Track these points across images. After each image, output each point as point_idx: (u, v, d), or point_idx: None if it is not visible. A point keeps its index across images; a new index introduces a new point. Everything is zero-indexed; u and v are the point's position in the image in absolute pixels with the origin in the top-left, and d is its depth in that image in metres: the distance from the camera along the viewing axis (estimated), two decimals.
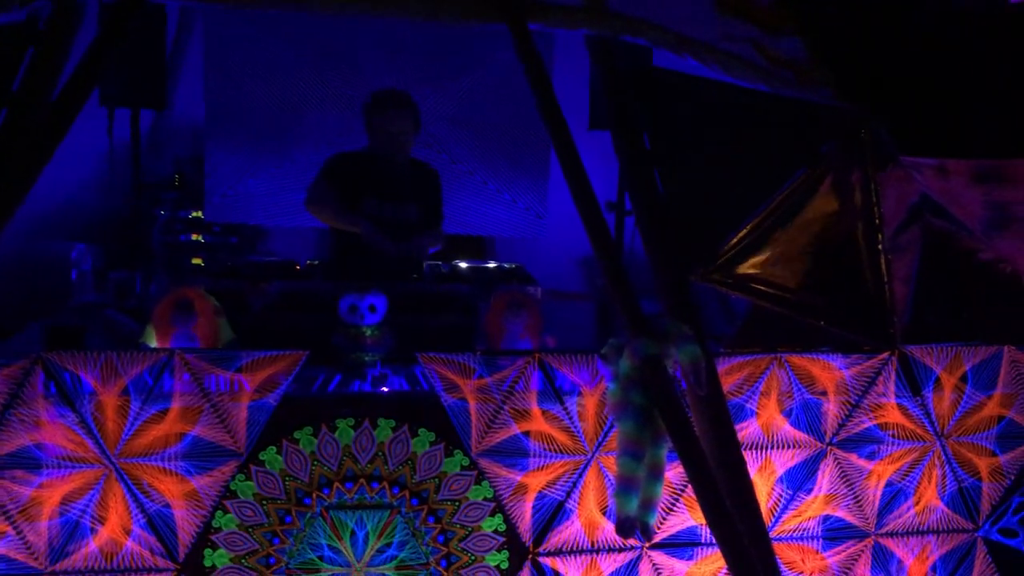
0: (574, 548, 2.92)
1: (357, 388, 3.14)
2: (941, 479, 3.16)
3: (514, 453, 2.85)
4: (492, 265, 4.19)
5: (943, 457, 3.15)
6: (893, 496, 3.12)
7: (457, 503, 2.86)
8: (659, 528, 2.93)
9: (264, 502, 2.78)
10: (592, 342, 4.10)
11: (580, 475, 2.89)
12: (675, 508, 2.96)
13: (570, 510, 2.90)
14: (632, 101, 3.05)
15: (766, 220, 3.00)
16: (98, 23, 3.04)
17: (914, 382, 3.08)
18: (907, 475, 3.13)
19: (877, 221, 2.99)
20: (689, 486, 2.74)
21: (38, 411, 2.62)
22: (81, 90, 2.80)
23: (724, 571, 2.93)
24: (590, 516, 2.92)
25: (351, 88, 4.26)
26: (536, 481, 2.87)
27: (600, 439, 2.88)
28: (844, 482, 3.07)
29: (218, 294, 3.23)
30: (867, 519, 3.11)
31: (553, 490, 2.89)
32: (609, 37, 3.05)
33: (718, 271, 2.99)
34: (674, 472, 2.84)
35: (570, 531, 2.91)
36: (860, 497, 3.09)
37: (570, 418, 2.86)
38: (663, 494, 2.70)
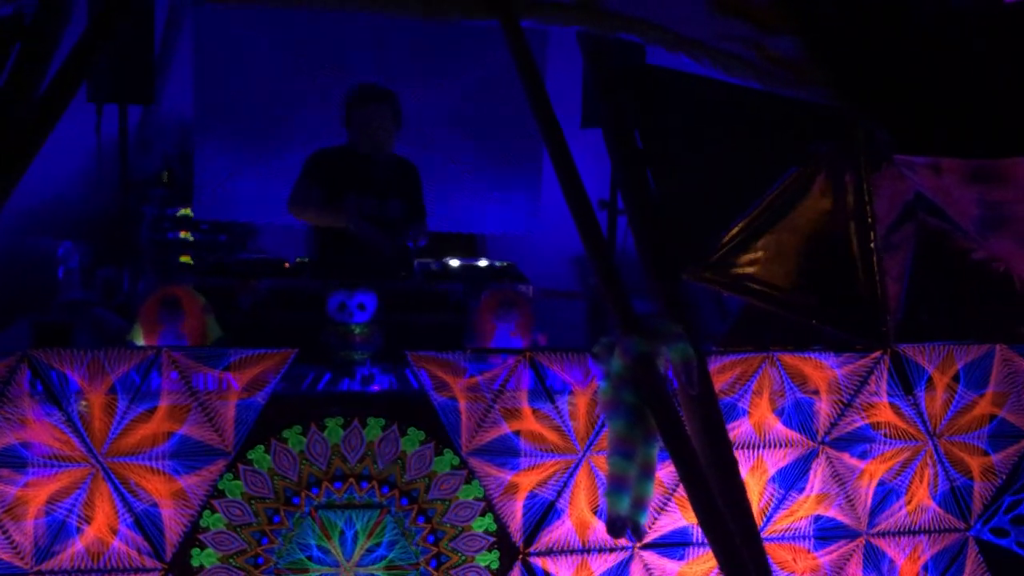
0: (565, 548, 2.91)
1: (346, 387, 3.12)
2: (933, 478, 3.15)
3: (505, 452, 2.83)
4: (483, 263, 4.17)
5: (935, 456, 3.15)
6: (885, 495, 3.12)
7: (447, 503, 2.84)
8: (650, 528, 2.92)
9: (252, 501, 2.76)
10: (584, 340, 4.09)
11: (571, 475, 2.88)
12: (667, 508, 2.95)
13: (561, 510, 2.89)
14: (625, 99, 3.04)
15: (758, 218, 2.99)
16: (87, 19, 3.01)
17: (906, 381, 3.08)
18: (899, 474, 3.12)
19: (870, 220, 2.99)
20: (681, 486, 2.73)
21: (24, 409, 2.59)
22: (68, 86, 2.77)
23: (716, 571, 2.92)
24: (581, 516, 2.90)
25: (341, 86, 4.23)
26: (527, 480, 2.86)
27: (591, 438, 2.87)
28: (836, 481, 3.07)
29: (206, 292, 3.20)
30: (859, 519, 3.11)
31: (544, 490, 2.87)
32: (602, 34, 3.04)
33: (710, 269, 2.98)
34: (666, 471, 2.83)
35: (561, 531, 2.90)
36: (852, 496, 3.09)
37: (561, 417, 2.85)
38: (654, 494, 2.69)
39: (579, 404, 2.85)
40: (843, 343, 3.03)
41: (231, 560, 2.76)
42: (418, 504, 2.83)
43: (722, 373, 2.90)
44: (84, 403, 2.62)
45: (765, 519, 3.03)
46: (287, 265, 4.00)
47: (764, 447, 2.98)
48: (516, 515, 2.87)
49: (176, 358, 2.67)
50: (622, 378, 2.57)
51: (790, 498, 3.04)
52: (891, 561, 3.15)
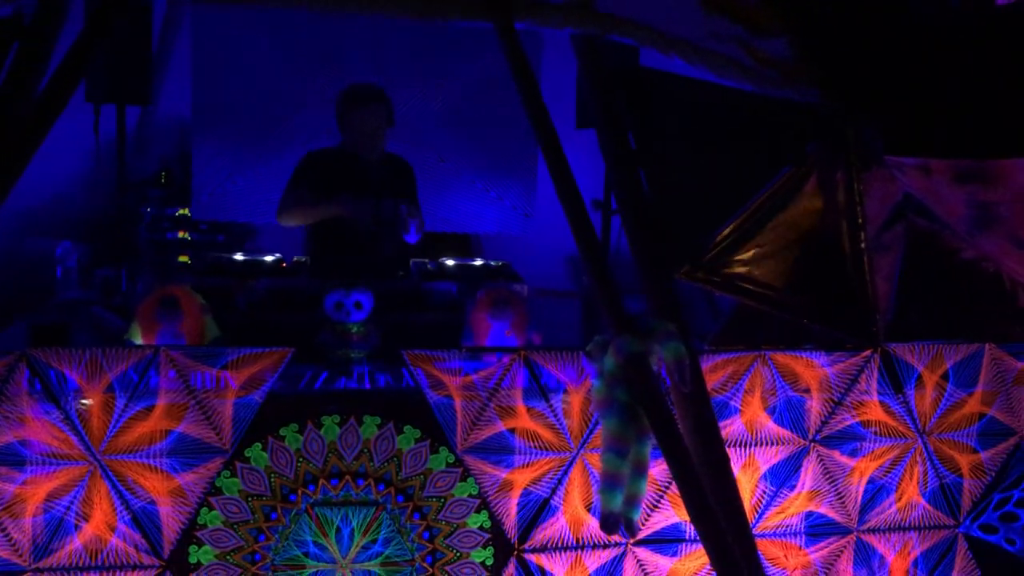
0: (559, 545, 2.93)
1: (343, 385, 3.14)
2: (923, 476, 3.18)
3: (499, 450, 2.85)
4: (479, 263, 4.19)
5: (924, 454, 3.18)
6: (875, 492, 3.15)
7: (442, 500, 2.87)
8: (643, 524, 2.94)
9: (249, 499, 2.78)
10: (579, 339, 4.12)
11: (565, 472, 2.90)
12: (660, 505, 2.98)
13: (555, 507, 2.91)
14: (618, 100, 3.06)
15: (750, 219, 3.02)
16: (84, 19, 3.04)
17: (896, 379, 3.10)
18: (889, 472, 3.15)
19: (860, 220, 3.02)
20: (673, 483, 2.76)
21: (23, 408, 2.61)
22: (66, 86, 2.79)
23: (708, 567, 2.95)
24: (575, 513, 2.93)
25: (339, 86, 4.26)
26: (521, 478, 2.88)
27: (585, 436, 2.89)
28: (827, 479, 3.10)
29: (204, 291, 3.22)
30: (849, 515, 3.14)
31: (538, 487, 2.90)
32: (595, 36, 3.07)
33: (702, 269, 3.01)
34: (659, 469, 2.86)
35: (555, 528, 2.93)
36: (843, 493, 3.12)
37: (555, 415, 2.87)
38: (647, 491, 2.72)
39: (573, 402, 2.87)
40: (834, 342, 3.05)
41: (228, 557, 2.78)
42: (414, 501, 2.85)
43: (714, 372, 2.93)
44: (83, 401, 2.64)
45: (757, 516, 3.06)
46: (284, 265, 4.02)
47: (756, 445, 3.01)
48: (511, 512, 2.89)
49: (174, 357, 2.69)
50: (615, 376, 2.60)
51: (781, 495, 3.07)
52: (881, 557, 3.18)
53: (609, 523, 2.59)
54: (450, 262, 4.10)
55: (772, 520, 3.08)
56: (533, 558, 2.92)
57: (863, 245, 3.02)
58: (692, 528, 2.83)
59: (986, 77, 2.99)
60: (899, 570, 3.19)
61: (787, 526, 3.10)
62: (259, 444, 2.77)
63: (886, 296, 3.09)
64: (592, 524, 2.92)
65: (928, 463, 3.18)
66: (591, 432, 2.88)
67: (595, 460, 2.83)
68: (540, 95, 2.92)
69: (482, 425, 2.84)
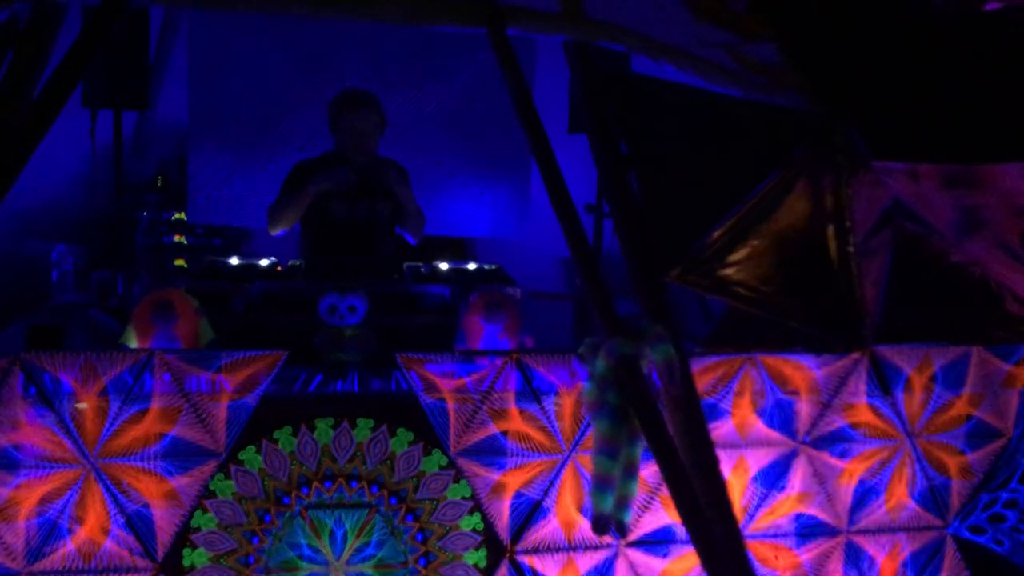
0: (551, 546, 2.95)
1: (337, 388, 3.16)
2: (911, 477, 3.21)
3: (492, 452, 2.87)
4: (472, 266, 4.21)
5: (913, 455, 3.20)
6: (864, 494, 3.17)
7: (435, 502, 2.88)
8: (635, 526, 2.96)
9: (243, 501, 2.80)
10: (572, 342, 4.14)
11: (557, 474, 2.92)
12: (651, 506, 3.00)
13: (547, 509, 2.93)
14: (610, 106, 3.08)
15: (740, 223, 3.04)
16: (81, 24, 3.06)
17: (885, 382, 3.12)
18: (878, 473, 3.17)
19: (848, 224, 3.04)
20: (664, 485, 2.77)
21: (17, 412, 2.62)
22: (62, 91, 2.80)
23: (699, 568, 2.97)
24: (567, 514, 2.95)
25: (334, 90, 4.28)
26: (514, 480, 2.90)
27: (577, 438, 2.91)
28: (816, 480, 3.12)
29: (200, 295, 3.24)
30: (839, 517, 3.16)
31: (530, 489, 2.92)
32: (587, 43, 3.09)
33: (693, 272, 3.03)
34: (649, 471, 2.87)
35: (547, 529, 2.94)
36: (832, 495, 3.14)
37: (547, 418, 2.89)
38: (638, 492, 2.73)
39: (565, 405, 2.89)
40: (823, 345, 3.08)
41: (222, 560, 2.80)
42: (407, 503, 2.87)
43: (704, 374, 2.95)
44: (77, 405, 2.65)
45: (747, 517, 3.08)
46: (279, 268, 4.04)
47: (746, 447, 3.03)
48: (503, 514, 2.91)
49: (168, 360, 2.71)
50: (606, 379, 2.61)
51: (771, 497, 3.09)
52: (871, 558, 3.20)
53: (600, 524, 2.61)
54: (443, 265, 4.12)
55: (762, 521, 3.10)
56: (526, 559, 2.94)
57: (851, 249, 3.04)
58: (683, 529, 2.85)
59: (975, 82, 3.01)
60: (888, 571, 3.21)
61: (777, 527, 3.12)
62: (253, 447, 2.79)
63: (874, 299, 3.11)
64: (584, 526, 2.94)
65: (917, 465, 3.21)
66: (583, 434, 2.90)
67: (587, 462, 2.85)
68: (532, 101, 2.94)
69: (475, 428, 2.86)
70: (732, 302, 3.08)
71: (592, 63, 3.11)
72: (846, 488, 3.14)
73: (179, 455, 2.73)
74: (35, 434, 2.64)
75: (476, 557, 2.92)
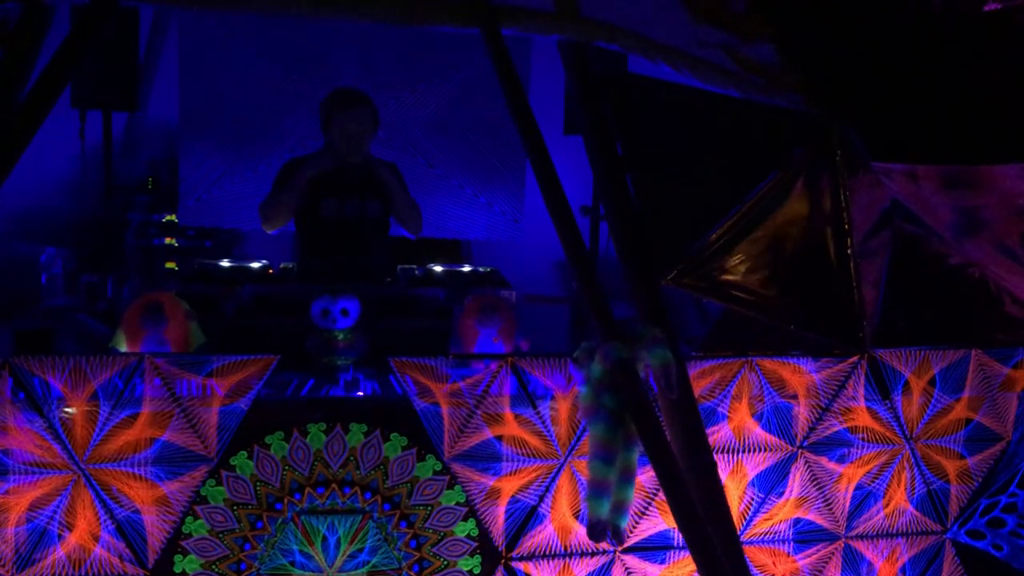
0: (547, 552, 2.93)
1: (330, 392, 3.12)
2: (910, 482, 3.19)
3: (487, 458, 2.85)
4: (467, 269, 4.19)
5: (912, 460, 3.18)
6: (863, 499, 3.15)
7: (429, 508, 2.85)
8: (631, 532, 2.94)
9: (235, 507, 2.76)
10: (567, 345, 4.11)
11: (553, 479, 2.90)
12: (648, 512, 2.97)
13: (543, 514, 2.90)
14: (606, 106, 3.06)
15: (737, 225, 3.02)
16: (70, 24, 3.02)
17: (883, 385, 3.11)
18: (877, 478, 3.16)
19: (846, 226, 3.02)
20: (661, 490, 2.75)
21: (5, 417, 2.59)
22: (50, 92, 2.77)
23: (696, 575, 2.94)
24: (563, 520, 2.92)
25: (325, 91, 4.25)
26: (509, 485, 2.87)
27: (573, 443, 2.88)
28: (815, 485, 3.10)
29: (191, 298, 3.21)
30: (837, 522, 3.14)
31: (526, 494, 2.89)
32: (582, 43, 3.07)
33: (690, 275, 3.01)
34: (646, 476, 2.85)
35: (543, 535, 2.92)
36: (830, 500, 3.12)
37: (543, 422, 2.86)
38: (635, 498, 2.71)
39: (561, 409, 2.87)
40: (821, 348, 3.06)
41: (214, 566, 2.76)
42: (400, 509, 2.84)
43: (702, 378, 2.93)
44: (67, 410, 2.62)
45: (745, 523, 3.06)
46: (271, 271, 4.01)
47: (743, 451, 3.01)
48: (498, 520, 2.88)
49: (159, 364, 2.67)
50: (602, 383, 2.59)
51: (769, 502, 3.07)
52: (869, 564, 3.18)
53: (597, 530, 2.59)
54: (438, 268, 4.09)
55: (760, 527, 3.08)
56: (521, 566, 2.91)
57: (850, 251, 3.03)
58: (680, 535, 2.83)
59: (974, 83, 3.00)
60: None
61: (775, 533, 3.10)
62: (245, 452, 2.76)
63: (873, 302, 3.10)
64: (580, 532, 2.91)
65: (915, 469, 3.19)
66: (579, 439, 2.88)
67: (583, 467, 2.82)
68: (527, 102, 2.92)
69: (469, 432, 2.83)
70: (730, 305, 3.06)
71: (588, 63, 3.08)
72: (844, 493, 3.12)
73: (170, 460, 2.70)
74: (24, 439, 2.61)
75: (471, 564, 2.89)
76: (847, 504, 3.13)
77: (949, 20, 3.10)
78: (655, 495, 2.95)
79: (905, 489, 3.19)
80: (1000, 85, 2.95)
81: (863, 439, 3.12)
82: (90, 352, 2.66)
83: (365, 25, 4.71)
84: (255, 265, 4.01)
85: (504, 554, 2.90)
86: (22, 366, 2.59)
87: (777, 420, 3.03)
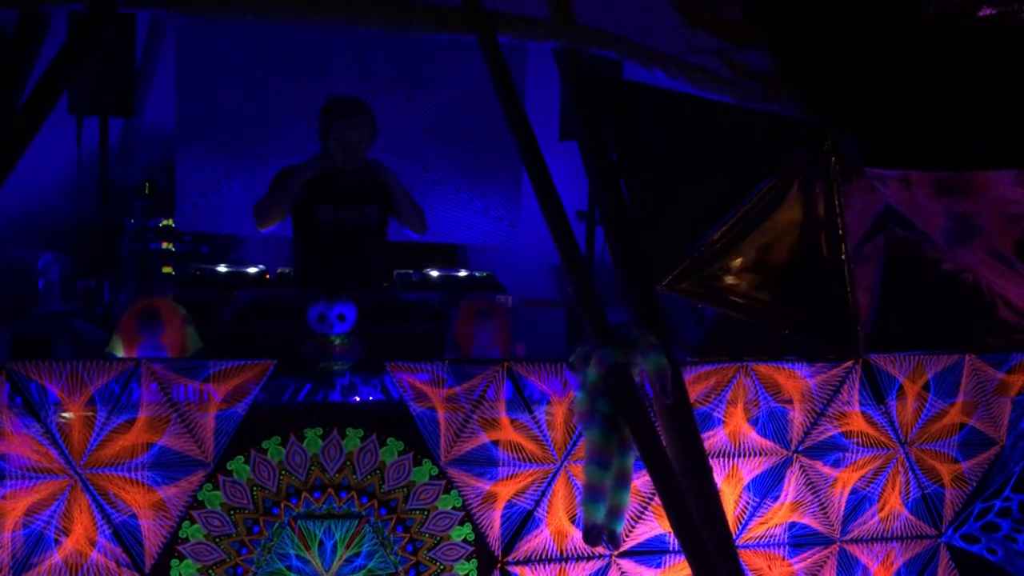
0: (543, 557, 2.93)
1: (326, 397, 3.13)
2: (905, 486, 3.20)
3: (483, 462, 2.85)
4: (463, 273, 4.19)
5: (907, 464, 3.19)
6: (858, 503, 3.16)
7: (426, 512, 2.86)
8: (627, 536, 2.94)
9: (232, 512, 2.77)
10: (563, 349, 4.12)
11: (549, 484, 2.90)
12: (643, 516, 2.98)
13: (539, 519, 2.91)
14: (601, 113, 3.08)
15: (732, 230, 3.04)
16: (67, 31, 3.03)
17: (878, 390, 3.12)
18: (871, 482, 3.17)
19: (841, 231, 3.04)
20: (657, 494, 2.76)
21: (2, 421, 2.59)
22: (48, 98, 2.78)
23: None
24: (559, 525, 2.93)
25: (322, 97, 4.26)
26: (505, 490, 2.88)
27: (569, 448, 2.89)
28: (810, 489, 3.11)
29: (188, 303, 3.21)
30: (832, 526, 3.15)
31: (522, 499, 2.90)
32: (577, 50, 3.08)
33: (685, 280, 3.02)
34: (642, 480, 2.86)
35: (539, 540, 2.92)
36: (825, 504, 3.13)
37: (539, 427, 2.87)
38: (631, 502, 2.72)
39: (557, 414, 2.88)
40: (816, 353, 3.07)
41: (210, 571, 2.76)
42: (397, 514, 2.85)
43: (697, 383, 2.94)
44: (64, 415, 2.62)
45: (740, 527, 3.06)
46: (268, 276, 4.01)
47: (739, 456, 3.02)
48: (494, 524, 2.89)
49: (155, 369, 2.68)
50: (598, 388, 2.60)
51: (765, 506, 3.08)
52: (864, 567, 3.19)
53: (592, 535, 2.59)
54: (434, 273, 4.10)
55: (755, 531, 3.09)
56: (517, 570, 2.92)
57: (844, 256, 3.04)
58: (676, 539, 2.83)
59: (967, 89, 3.01)
60: None
61: (770, 537, 3.11)
62: (241, 457, 2.76)
63: (867, 307, 3.11)
64: (576, 536, 2.92)
65: (910, 473, 3.20)
66: (575, 444, 2.88)
67: (579, 472, 2.83)
68: (523, 108, 2.93)
69: (465, 437, 2.83)
70: (725, 310, 3.07)
71: (583, 70, 3.10)
72: (840, 497, 3.14)
73: (167, 465, 2.70)
74: (21, 444, 2.61)
75: (467, 568, 2.89)
76: (842, 508, 3.14)
77: (943, 26, 3.12)
78: (651, 500, 2.96)
79: (900, 493, 3.20)
80: (994, 91, 2.96)
81: (858, 443, 3.13)
82: (87, 357, 2.66)
83: (362, 31, 4.73)
84: (252, 270, 4.01)
85: (500, 558, 2.91)
86: (19, 371, 2.59)
87: (772, 425, 3.05)
